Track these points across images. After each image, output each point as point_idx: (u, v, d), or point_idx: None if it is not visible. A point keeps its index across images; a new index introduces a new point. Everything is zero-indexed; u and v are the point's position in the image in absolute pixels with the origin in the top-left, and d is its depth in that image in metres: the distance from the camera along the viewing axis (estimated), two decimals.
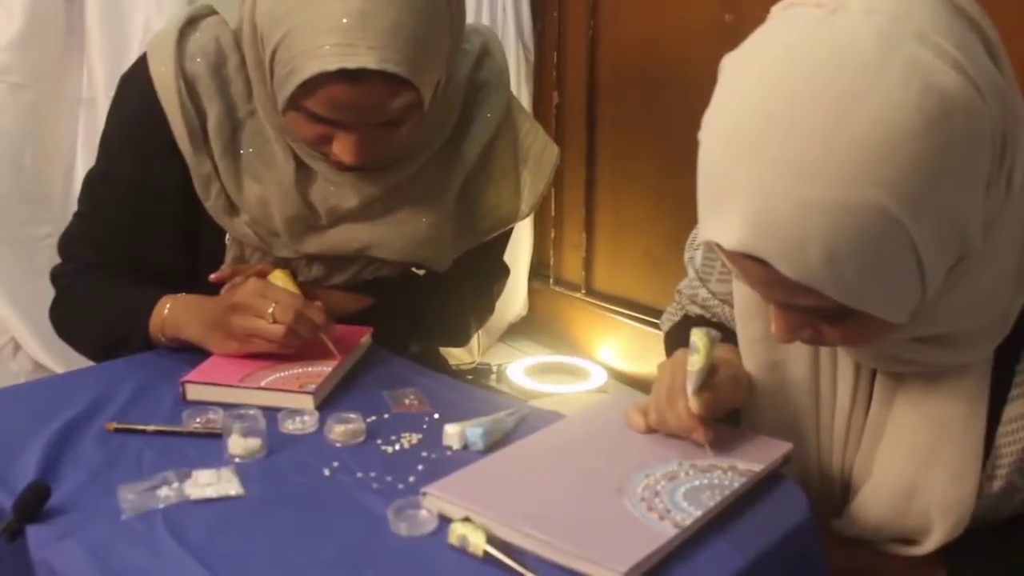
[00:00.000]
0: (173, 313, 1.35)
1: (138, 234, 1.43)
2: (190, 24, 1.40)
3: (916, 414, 1.04)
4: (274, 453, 1.10)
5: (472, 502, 0.94)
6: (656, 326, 2.14)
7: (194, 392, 1.23)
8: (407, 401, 1.24)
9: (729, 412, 1.14)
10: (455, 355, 2.76)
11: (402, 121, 1.29)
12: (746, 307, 1.14)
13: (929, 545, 1.06)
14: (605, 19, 2.81)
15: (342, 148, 1.29)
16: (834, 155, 0.79)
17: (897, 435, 1.06)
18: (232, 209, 1.41)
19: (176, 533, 0.93)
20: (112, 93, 1.47)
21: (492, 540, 0.89)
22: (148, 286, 1.39)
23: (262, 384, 1.23)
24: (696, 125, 0.90)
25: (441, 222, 1.45)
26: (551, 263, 3.13)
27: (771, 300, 0.95)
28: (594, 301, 3.00)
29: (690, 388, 1.05)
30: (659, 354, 1.29)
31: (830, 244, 0.81)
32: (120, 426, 1.14)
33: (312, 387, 1.21)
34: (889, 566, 1.10)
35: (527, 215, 1.55)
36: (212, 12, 1.42)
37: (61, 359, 2.26)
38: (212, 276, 1.37)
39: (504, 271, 1.72)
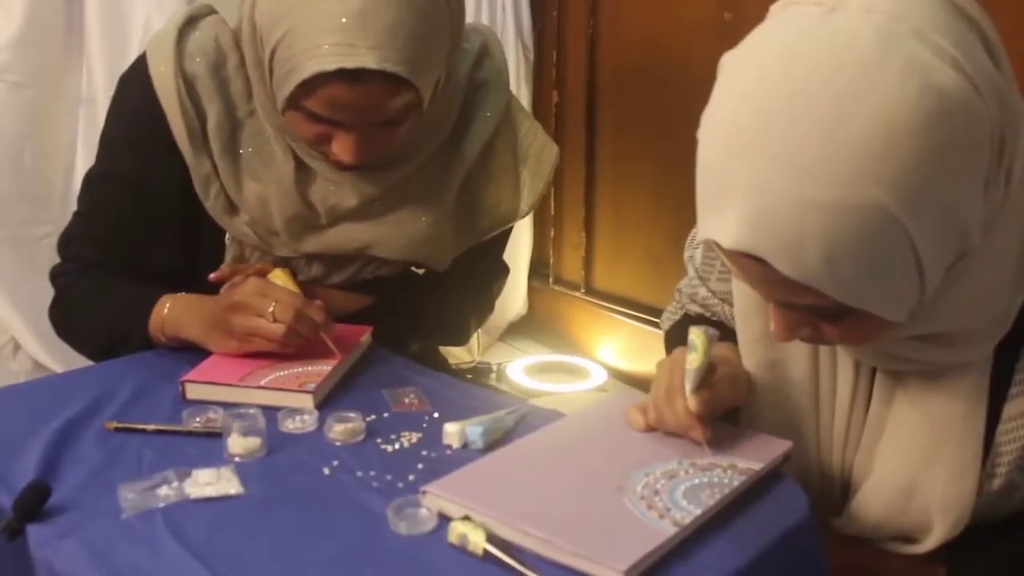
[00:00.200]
0: (173, 312, 1.35)
1: (138, 233, 1.43)
2: (189, 23, 1.40)
3: (916, 412, 1.04)
4: (274, 452, 1.10)
5: (472, 501, 0.94)
6: (656, 325, 2.14)
7: (194, 391, 1.23)
8: (407, 400, 1.24)
9: (728, 411, 1.14)
10: (455, 354, 2.76)
11: (401, 120, 1.29)
12: (746, 306, 1.14)
13: (929, 543, 1.06)
14: (605, 18, 2.81)
15: (341, 148, 1.29)
16: (833, 154, 0.79)
17: (897, 433, 1.06)
18: (232, 208, 1.41)
19: (176, 532, 0.93)
20: (112, 92, 1.47)
21: (492, 539, 0.89)
22: (148, 285, 1.39)
23: (262, 383, 1.23)
24: (696, 124, 0.90)
25: (441, 221, 1.45)
26: (551, 262, 3.13)
27: (770, 299, 0.95)
28: (594, 300, 3.00)
29: (688, 386, 1.05)
30: (659, 353, 1.29)
31: (829, 243, 0.81)
32: (120, 425, 1.14)
33: (312, 386, 1.22)
34: (889, 564, 1.10)
35: (527, 214, 1.55)
36: (211, 11, 1.42)
37: (61, 359, 2.26)
38: (212, 275, 1.37)
39: (504, 270, 1.72)
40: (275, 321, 1.25)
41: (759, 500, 1.01)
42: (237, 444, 1.08)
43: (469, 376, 2.75)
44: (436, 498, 0.96)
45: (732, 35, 0.89)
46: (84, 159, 2.35)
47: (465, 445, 1.12)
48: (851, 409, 1.10)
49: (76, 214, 1.49)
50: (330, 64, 1.18)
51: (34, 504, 0.96)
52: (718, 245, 0.88)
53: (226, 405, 1.18)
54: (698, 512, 0.94)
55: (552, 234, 3.09)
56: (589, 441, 1.09)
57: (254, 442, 1.09)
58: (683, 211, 0.99)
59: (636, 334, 2.85)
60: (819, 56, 0.81)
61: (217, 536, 0.93)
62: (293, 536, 0.94)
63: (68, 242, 1.49)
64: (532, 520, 0.91)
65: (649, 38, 2.69)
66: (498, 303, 1.76)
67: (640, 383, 2.76)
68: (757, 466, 1.03)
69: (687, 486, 0.98)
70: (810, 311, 0.92)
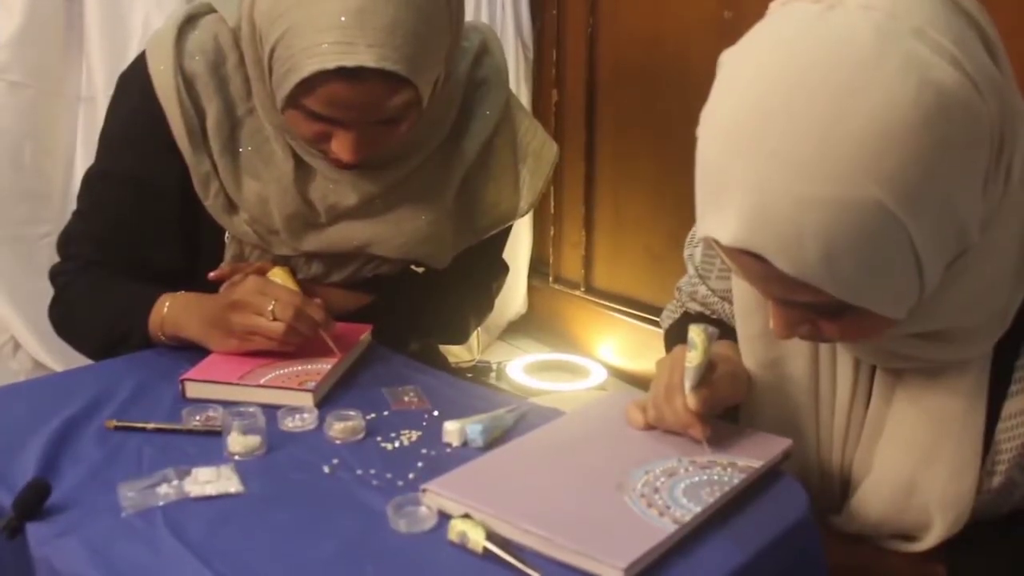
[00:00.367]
0: (172, 311, 1.35)
1: (137, 232, 1.43)
2: (189, 22, 1.40)
3: (915, 410, 1.04)
4: (274, 450, 1.10)
5: (472, 499, 0.94)
6: (656, 324, 2.14)
7: (194, 390, 1.23)
8: (407, 398, 1.24)
9: (728, 409, 1.14)
10: (455, 353, 2.76)
11: (401, 119, 1.29)
12: (745, 304, 1.14)
13: (929, 541, 1.06)
14: (604, 17, 2.81)
15: (341, 146, 1.29)
16: (831, 150, 0.79)
17: (897, 431, 1.06)
18: (231, 207, 1.41)
19: (176, 530, 0.93)
20: (111, 91, 1.47)
21: (492, 536, 0.89)
22: (147, 284, 1.39)
23: (262, 382, 1.23)
24: (696, 122, 0.90)
25: (440, 219, 1.45)
26: (550, 261, 3.13)
27: (769, 296, 0.95)
28: (593, 299, 3.00)
29: (688, 384, 1.05)
30: (659, 351, 1.29)
31: (827, 240, 0.81)
32: (120, 424, 1.14)
33: (312, 384, 1.22)
34: (889, 562, 1.10)
35: (526, 212, 1.55)
36: (211, 10, 1.42)
37: (61, 358, 2.26)
38: (211, 274, 1.37)
39: (503, 268, 1.72)
40: (275, 319, 1.26)
41: (759, 498, 1.01)
42: (237, 442, 1.09)
43: (469, 375, 2.75)
44: (436, 496, 0.96)
45: (732, 33, 0.89)
46: (84, 158, 2.35)
47: (465, 443, 1.12)
48: (851, 407, 1.10)
49: (76, 213, 1.49)
50: (329, 63, 1.18)
51: (34, 502, 0.96)
52: (717, 242, 0.88)
53: (226, 403, 1.18)
54: (698, 510, 0.94)
55: (552, 233, 3.09)
56: (589, 439, 1.09)
57: (254, 440, 1.09)
58: (683, 210, 0.99)
59: (636, 333, 2.85)
60: (818, 53, 0.81)
61: (217, 534, 0.93)
62: (293, 534, 0.94)
63: (67, 241, 1.49)
64: (532, 518, 0.91)
65: (649, 37, 2.69)
66: (498, 302, 1.75)
67: (640, 382, 2.76)
68: (757, 464, 1.03)
69: (687, 484, 0.99)
70: (809, 308, 0.92)
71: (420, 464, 1.08)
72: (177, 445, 1.11)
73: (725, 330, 1.19)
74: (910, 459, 1.05)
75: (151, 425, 1.14)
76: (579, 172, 2.94)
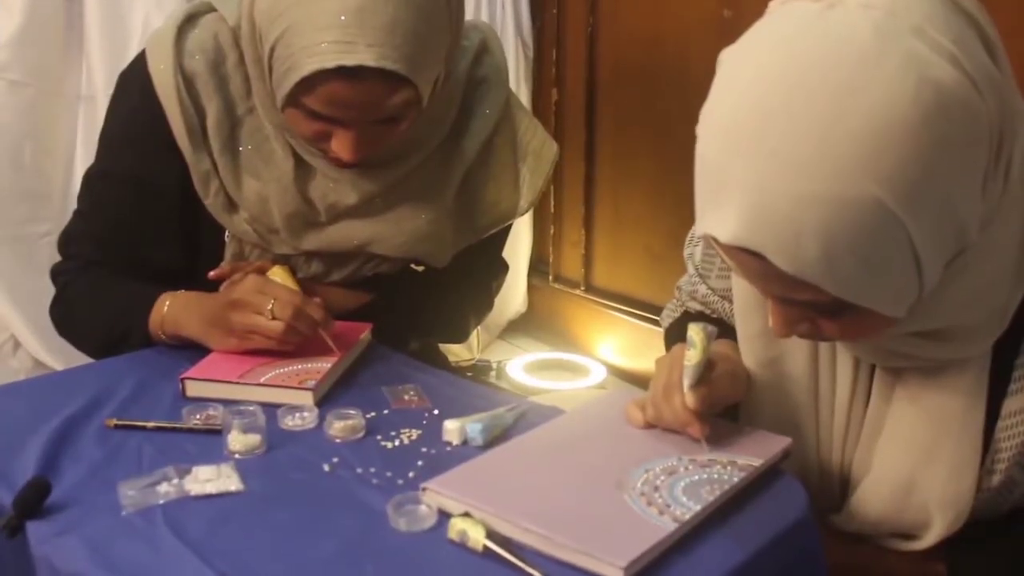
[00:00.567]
0: (172, 310, 1.35)
1: (137, 231, 1.43)
2: (189, 21, 1.40)
3: (915, 409, 1.05)
4: (274, 449, 1.10)
5: (472, 497, 0.94)
6: (655, 323, 2.14)
7: (194, 388, 1.23)
8: (407, 397, 1.25)
9: (728, 407, 1.14)
10: (454, 352, 2.76)
11: (401, 118, 1.29)
12: (745, 303, 1.14)
13: (928, 539, 1.06)
14: (604, 16, 2.81)
15: (341, 145, 1.29)
16: (830, 149, 0.79)
17: (896, 430, 1.06)
18: (231, 206, 1.41)
19: (176, 529, 0.93)
20: (111, 91, 1.47)
21: (492, 535, 0.89)
22: (148, 283, 1.39)
23: (262, 380, 1.23)
24: (695, 122, 0.90)
25: (440, 218, 1.45)
26: (550, 260, 3.13)
27: (768, 294, 0.95)
28: (593, 298, 3.00)
29: (686, 383, 1.05)
30: (658, 350, 1.29)
31: (827, 238, 0.81)
32: (120, 422, 1.14)
33: (312, 383, 1.22)
34: (888, 561, 1.10)
35: (526, 211, 1.55)
36: (211, 9, 1.42)
37: (61, 356, 2.26)
38: (211, 273, 1.37)
39: (503, 267, 1.72)
40: (274, 319, 1.26)
41: (758, 496, 1.01)
42: (237, 441, 1.09)
43: (469, 374, 2.75)
44: (436, 495, 0.96)
45: (731, 33, 0.89)
46: (84, 157, 2.35)
47: (465, 442, 1.12)
48: (850, 406, 1.10)
49: (76, 212, 1.49)
50: (329, 62, 1.18)
51: (34, 501, 0.96)
52: (716, 240, 0.88)
53: (226, 402, 1.18)
54: (698, 508, 0.94)
55: (552, 232, 3.09)
56: (589, 438, 1.09)
57: (254, 439, 1.09)
58: (683, 209, 1.00)
59: (635, 332, 2.85)
60: (817, 52, 0.82)
61: (217, 533, 0.93)
62: (293, 533, 0.94)
63: (68, 240, 1.49)
64: (532, 516, 0.91)
65: (649, 36, 2.69)
66: (498, 301, 1.76)
67: (639, 381, 2.76)
68: (756, 462, 1.03)
69: (687, 482, 0.99)
70: (809, 307, 0.92)
71: (420, 463, 1.08)
72: (177, 444, 1.11)
73: (725, 329, 1.19)
74: (910, 458, 1.05)
75: (151, 424, 1.14)
76: (579, 171, 2.94)
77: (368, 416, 1.17)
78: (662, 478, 0.99)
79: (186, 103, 1.36)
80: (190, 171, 1.39)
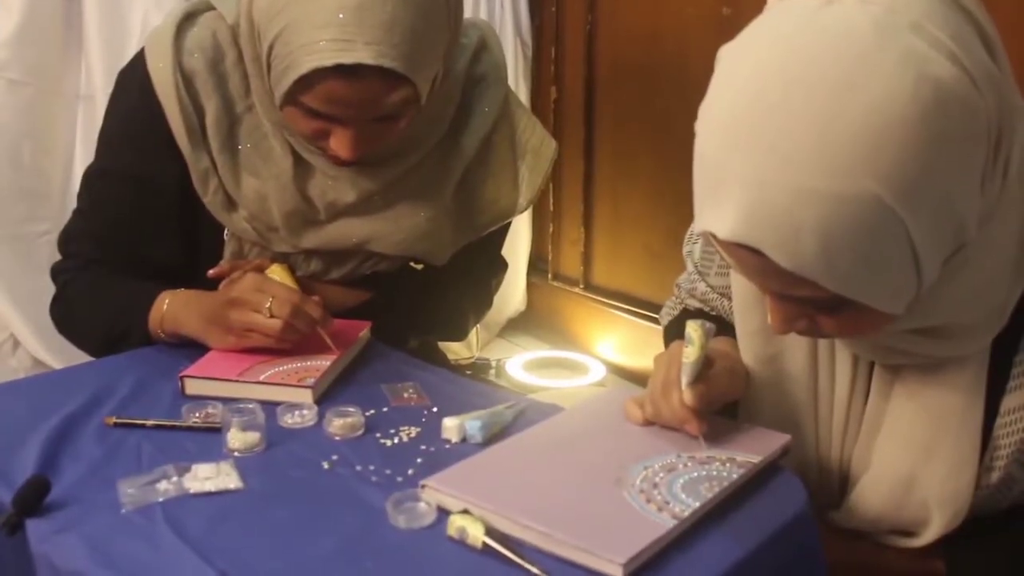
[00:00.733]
0: (172, 308, 1.35)
1: (137, 230, 1.43)
2: (187, 19, 1.40)
3: (914, 406, 1.05)
4: (273, 447, 1.10)
5: (471, 494, 0.94)
6: (655, 321, 2.14)
7: (193, 387, 1.23)
8: (406, 395, 1.25)
9: (727, 405, 1.14)
10: (453, 350, 2.76)
11: (399, 116, 1.29)
12: (744, 300, 1.14)
13: (927, 537, 1.06)
14: (603, 14, 2.81)
15: (339, 143, 1.29)
16: (829, 145, 0.80)
17: (895, 427, 1.06)
18: (230, 204, 1.41)
19: (176, 527, 0.93)
20: (110, 89, 1.47)
21: (491, 532, 0.89)
22: (147, 282, 1.39)
23: (261, 378, 1.23)
24: (694, 119, 0.90)
25: (439, 216, 1.45)
26: (549, 258, 3.13)
27: (767, 290, 0.95)
28: (592, 296, 3.00)
29: (684, 380, 1.05)
30: (658, 348, 1.29)
31: (825, 234, 0.81)
32: (119, 420, 1.14)
33: (311, 381, 1.22)
34: (887, 558, 1.10)
35: (525, 209, 1.55)
36: (209, 7, 1.42)
37: (60, 355, 2.26)
38: (210, 272, 1.37)
39: (502, 265, 1.72)
40: (272, 317, 1.26)
41: (758, 493, 1.01)
42: (236, 439, 1.09)
43: (468, 372, 2.75)
44: (435, 492, 0.96)
45: (731, 30, 0.89)
46: (83, 156, 2.35)
47: (464, 439, 1.12)
48: (849, 403, 1.10)
49: (76, 211, 1.49)
50: (327, 60, 1.18)
51: (34, 499, 0.96)
52: (715, 237, 0.88)
53: (225, 400, 1.18)
54: (697, 505, 0.94)
55: (551, 230, 3.09)
56: (588, 435, 1.10)
57: (253, 437, 1.09)
58: (682, 207, 1.00)
59: (635, 330, 2.85)
60: (816, 48, 0.82)
61: (216, 530, 0.93)
62: (292, 530, 0.94)
63: (68, 239, 1.49)
64: (531, 513, 0.91)
65: (647, 34, 2.69)
66: (497, 299, 1.76)
67: (639, 379, 2.76)
68: (755, 459, 1.03)
69: (686, 479, 0.99)
70: (807, 303, 0.92)
71: (419, 460, 1.08)
72: (177, 441, 1.11)
73: (724, 326, 1.20)
74: (909, 455, 1.05)
75: (151, 422, 1.14)
76: (578, 169, 2.94)
77: (367, 414, 1.17)
78: (661, 475, 0.99)
79: (185, 101, 1.36)
80: (189, 169, 1.39)
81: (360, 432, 1.14)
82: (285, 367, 1.26)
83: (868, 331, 0.97)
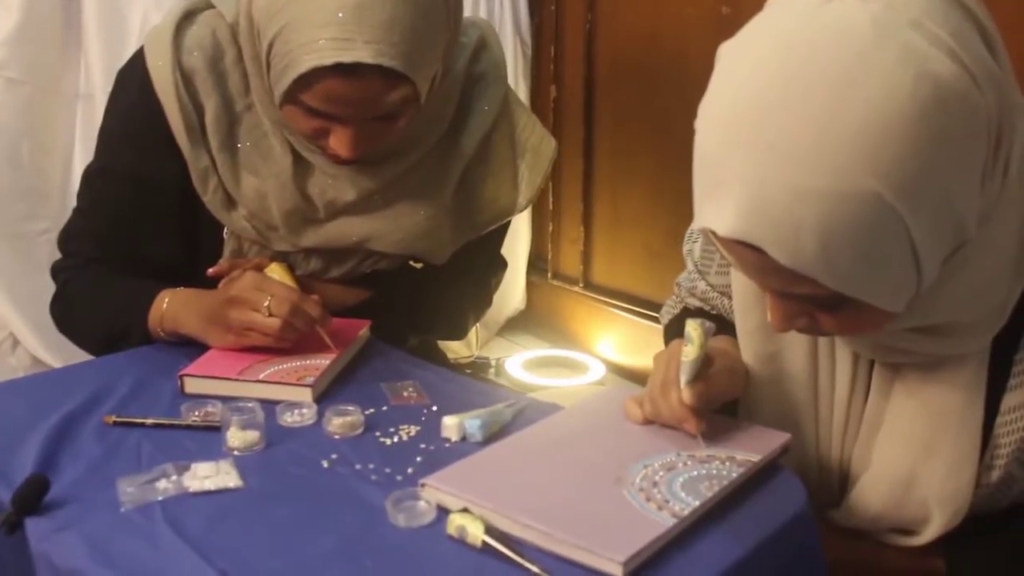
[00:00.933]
0: (172, 307, 1.35)
1: (137, 228, 1.43)
2: (187, 18, 1.40)
3: (914, 404, 1.05)
4: (272, 445, 1.10)
5: (470, 493, 0.94)
6: (654, 319, 2.14)
7: (193, 385, 1.23)
8: (405, 393, 1.25)
9: (727, 403, 1.14)
10: (453, 349, 2.76)
11: (399, 115, 1.29)
12: (744, 298, 1.14)
13: (927, 535, 1.06)
14: (603, 13, 2.81)
15: (339, 142, 1.29)
16: (829, 143, 0.79)
17: (895, 425, 1.06)
18: (230, 203, 1.41)
19: (175, 525, 0.93)
20: (110, 88, 1.47)
21: (490, 531, 0.89)
22: (147, 281, 1.39)
23: (260, 377, 1.23)
24: (694, 118, 0.90)
25: (439, 215, 1.45)
26: (549, 257, 3.13)
27: (767, 288, 0.95)
28: (592, 295, 3.00)
29: (683, 379, 1.05)
30: (657, 347, 1.29)
31: (825, 231, 0.81)
32: (119, 419, 1.14)
33: (310, 380, 1.22)
34: (887, 556, 1.10)
35: (525, 208, 1.55)
36: (209, 6, 1.42)
37: (59, 354, 2.26)
38: (210, 270, 1.37)
39: (502, 264, 1.72)
40: (271, 315, 1.26)
41: (757, 492, 1.01)
42: (236, 438, 1.09)
43: (468, 371, 2.75)
44: (435, 491, 0.96)
45: (730, 29, 0.89)
46: (82, 155, 2.35)
47: (463, 438, 1.12)
48: (849, 401, 1.10)
49: (75, 210, 1.49)
50: (327, 59, 1.18)
51: (33, 498, 0.96)
52: (715, 234, 0.88)
53: (225, 399, 1.18)
54: (696, 504, 0.94)
55: (550, 229, 3.09)
56: (587, 434, 1.09)
57: (253, 436, 1.09)
58: (681, 206, 1.00)
59: (634, 329, 2.85)
60: (815, 45, 0.82)
61: (216, 529, 0.93)
62: (292, 529, 0.94)
63: (68, 238, 1.49)
64: (531, 512, 0.91)
65: (647, 33, 2.69)
66: (496, 298, 1.76)
67: (638, 377, 2.76)
68: (755, 458, 1.03)
69: (685, 478, 0.99)
70: (807, 301, 0.92)
71: (419, 459, 1.08)
72: (176, 440, 1.11)
73: (724, 325, 1.20)
74: (909, 453, 1.05)
75: (150, 420, 1.14)
76: (577, 168, 2.94)
77: (367, 412, 1.17)
78: (661, 474, 0.99)
79: (184, 100, 1.36)
80: (189, 168, 1.39)
81: (360, 431, 1.14)
82: (284, 366, 1.26)
83: (868, 329, 0.96)
